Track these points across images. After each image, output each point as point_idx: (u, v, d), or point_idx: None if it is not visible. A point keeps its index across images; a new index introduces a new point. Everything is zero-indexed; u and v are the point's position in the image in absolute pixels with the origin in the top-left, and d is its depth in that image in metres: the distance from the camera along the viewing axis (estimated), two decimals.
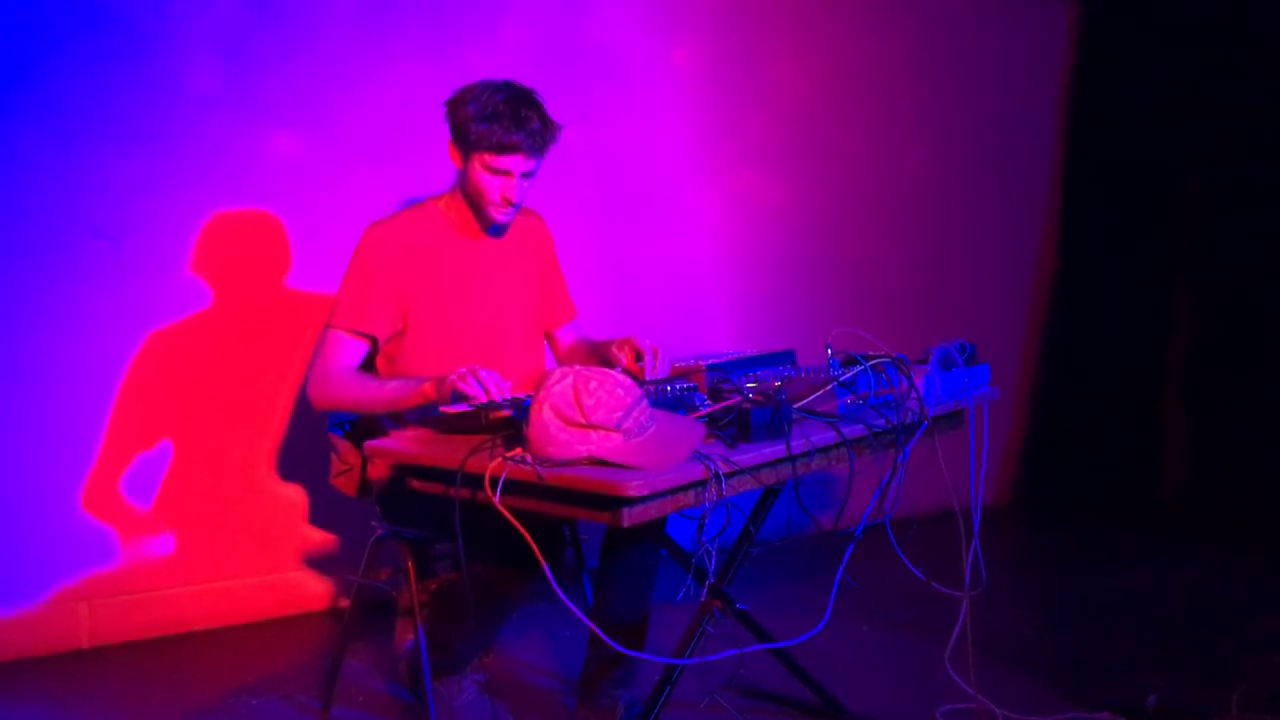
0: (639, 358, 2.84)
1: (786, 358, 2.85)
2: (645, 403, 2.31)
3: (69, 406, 3.67)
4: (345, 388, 2.87)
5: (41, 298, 3.62)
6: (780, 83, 4.65)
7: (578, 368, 2.31)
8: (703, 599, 2.71)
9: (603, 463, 2.21)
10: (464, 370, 2.58)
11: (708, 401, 2.53)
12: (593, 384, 2.25)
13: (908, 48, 4.84)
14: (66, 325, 3.65)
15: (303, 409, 3.84)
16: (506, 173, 2.84)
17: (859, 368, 2.61)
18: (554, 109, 2.88)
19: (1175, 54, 4.81)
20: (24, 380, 3.62)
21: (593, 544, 3.04)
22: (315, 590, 4.04)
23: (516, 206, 2.92)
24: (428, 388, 2.69)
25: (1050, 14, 5.06)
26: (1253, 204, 4.67)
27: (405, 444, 2.56)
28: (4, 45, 3.52)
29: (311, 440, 3.46)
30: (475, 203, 2.93)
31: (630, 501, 2.16)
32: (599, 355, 2.99)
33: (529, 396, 2.36)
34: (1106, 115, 5.01)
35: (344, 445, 3.05)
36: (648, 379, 2.75)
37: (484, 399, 2.52)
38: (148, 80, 3.68)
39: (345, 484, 3.07)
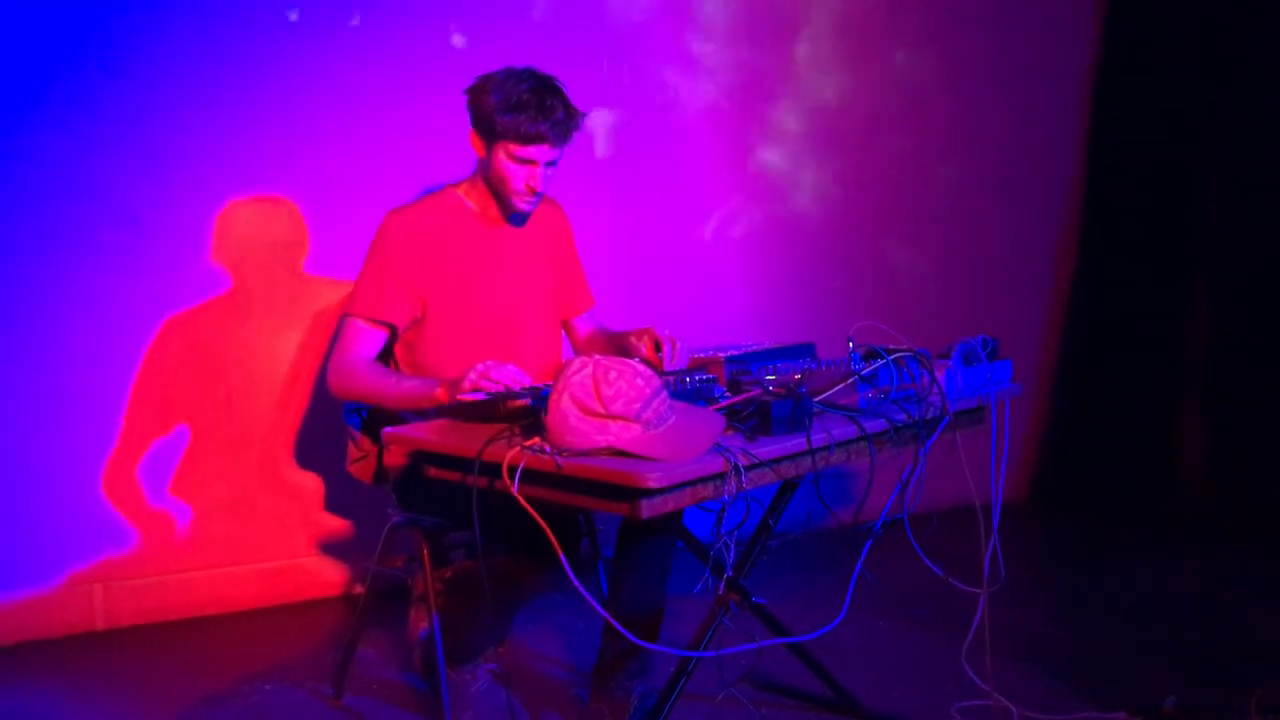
0: (658, 348, 2.83)
1: (807, 350, 2.83)
2: (665, 394, 2.29)
3: (87, 391, 3.67)
4: (362, 380, 2.86)
5: (63, 283, 3.63)
6: (804, 76, 4.62)
7: (598, 357, 2.30)
8: (719, 592, 2.70)
9: (621, 453, 2.20)
10: (475, 375, 2.55)
11: (727, 393, 2.51)
12: (612, 374, 2.24)
13: (932, 44, 4.81)
14: (86, 311, 3.66)
15: (320, 395, 3.85)
16: (531, 162, 2.83)
17: (881, 361, 2.59)
18: (576, 95, 2.87)
19: (1198, 52, 4.77)
20: (43, 364, 3.63)
21: (608, 534, 3.03)
22: (330, 576, 4.04)
23: (540, 195, 2.91)
24: (440, 392, 2.66)
25: (1074, 10, 5.02)
26: (1274, 203, 4.63)
27: (422, 431, 2.55)
28: (32, 36, 3.53)
29: (328, 426, 3.46)
30: (498, 191, 2.92)
31: (649, 493, 2.15)
32: (617, 345, 2.98)
33: (548, 386, 2.35)
34: (1128, 113, 4.98)
35: (360, 432, 3.04)
36: (666, 369, 2.74)
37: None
38: (165, 66, 3.67)
39: (361, 470, 3.07)
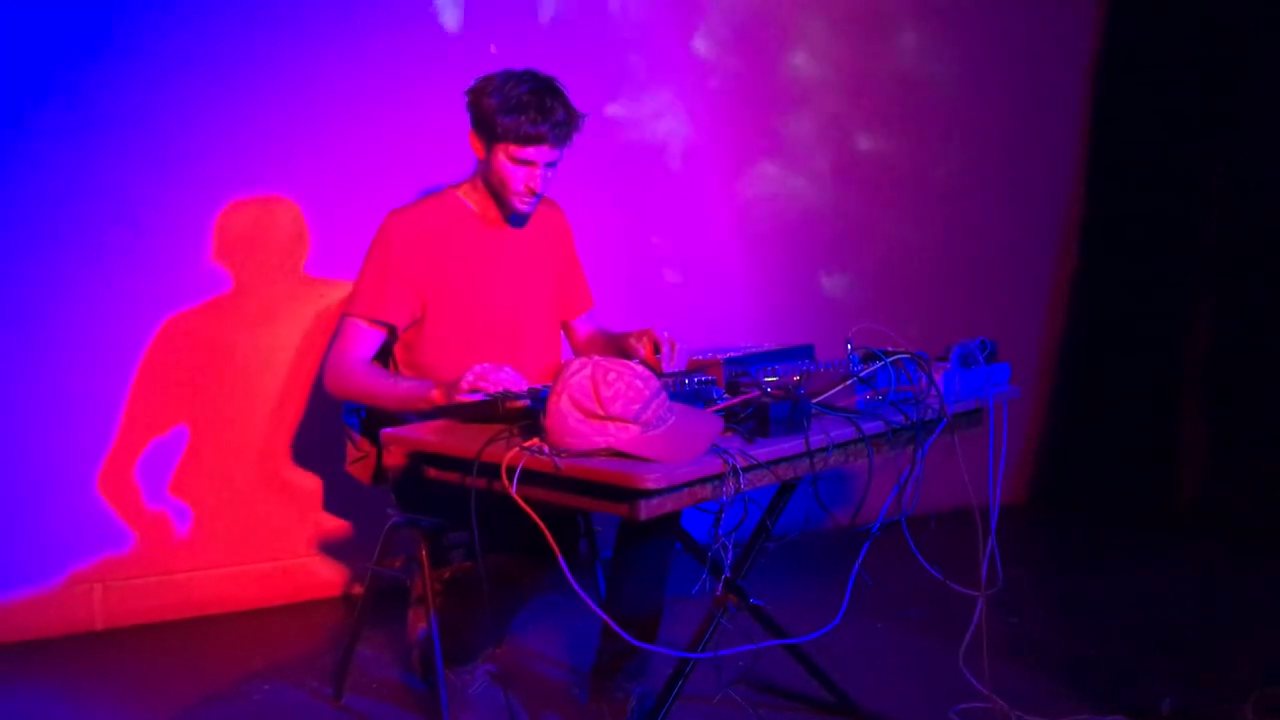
0: (657, 349, 2.83)
1: (805, 352, 2.83)
2: (664, 395, 2.29)
3: (87, 391, 3.67)
4: (359, 380, 2.86)
5: (63, 283, 3.63)
6: (804, 77, 4.62)
7: (597, 358, 2.30)
8: (717, 593, 2.70)
9: (620, 454, 2.20)
10: (472, 378, 2.56)
11: (725, 395, 2.51)
12: (611, 375, 2.24)
13: (932, 45, 4.81)
14: (86, 310, 3.66)
15: (319, 396, 3.84)
16: (531, 163, 2.83)
17: (879, 363, 2.59)
18: (576, 95, 2.87)
19: (1201, 52, 4.77)
20: (43, 364, 3.63)
21: (606, 535, 3.03)
22: (328, 577, 4.04)
23: (539, 196, 2.91)
24: (436, 394, 2.67)
25: (1075, 10, 5.02)
26: (1274, 203, 4.63)
27: (421, 432, 2.55)
28: (32, 36, 3.53)
29: (327, 426, 3.46)
30: (498, 192, 2.92)
31: (647, 494, 2.15)
32: (616, 346, 2.98)
33: (547, 387, 2.35)
34: (1130, 114, 4.98)
35: (359, 433, 3.04)
36: (665, 371, 2.74)
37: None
38: (166, 65, 3.68)
39: (360, 471, 3.07)
